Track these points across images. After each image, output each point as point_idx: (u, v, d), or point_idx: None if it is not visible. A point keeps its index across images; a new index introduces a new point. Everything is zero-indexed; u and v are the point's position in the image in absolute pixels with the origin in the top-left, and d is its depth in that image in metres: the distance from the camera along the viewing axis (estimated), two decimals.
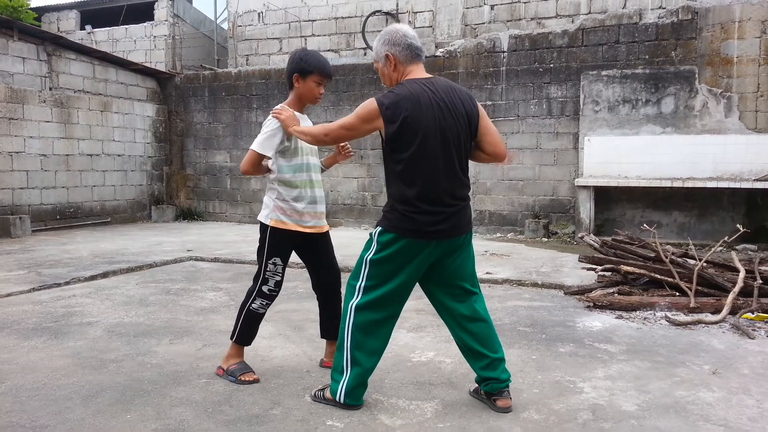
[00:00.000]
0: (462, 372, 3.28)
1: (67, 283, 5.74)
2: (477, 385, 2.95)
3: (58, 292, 5.41)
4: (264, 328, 4.27)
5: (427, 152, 2.64)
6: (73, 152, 10.27)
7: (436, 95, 2.68)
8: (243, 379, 3.17)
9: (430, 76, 2.78)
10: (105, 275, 6.17)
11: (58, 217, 10.05)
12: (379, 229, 2.74)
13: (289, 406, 2.88)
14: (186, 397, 3.00)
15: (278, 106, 3.15)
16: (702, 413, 2.82)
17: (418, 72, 2.77)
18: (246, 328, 3.24)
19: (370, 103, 2.69)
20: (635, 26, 8.92)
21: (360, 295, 2.76)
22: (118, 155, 11.17)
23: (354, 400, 2.81)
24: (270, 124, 3.10)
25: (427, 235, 2.66)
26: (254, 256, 7.22)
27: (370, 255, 2.74)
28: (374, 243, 2.74)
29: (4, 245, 8.10)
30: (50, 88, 10.10)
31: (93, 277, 6.03)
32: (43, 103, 9.72)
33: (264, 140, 3.08)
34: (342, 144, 3.31)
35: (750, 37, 8.34)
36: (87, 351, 3.73)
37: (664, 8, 9.24)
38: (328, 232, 3.38)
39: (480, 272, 6.10)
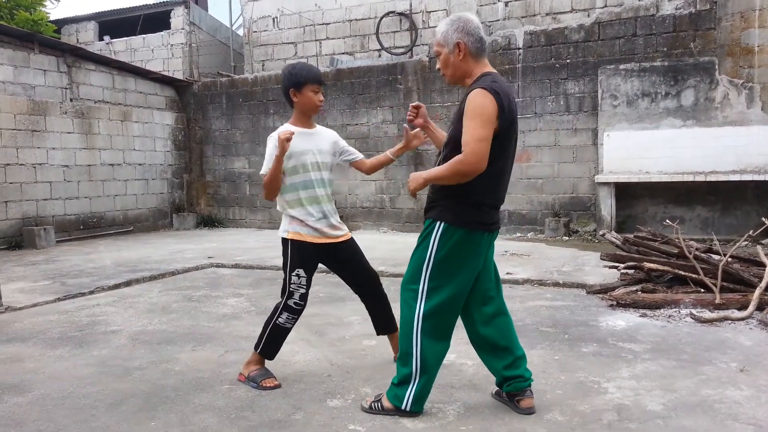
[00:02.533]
0: (484, 374, 3.26)
1: (91, 293, 5.82)
2: (498, 387, 2.92)
3: (83, 302, 5.49)
4: None
5: (510, 149, 2.67)
6: (94, 162, 10.43)
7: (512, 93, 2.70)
8: (264, 384, 3.19)
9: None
10: (128, 284, 6.25)
11: (81, 227, 10.21)
12: (441, 224, 2.63)
13: (311, 411, 2.88)
14: (209, 403, 3.02)
15: (281, 127, 3.21)
16: (730, 412, 2.77)
17: (488, 65, 2.71)
18: (271, 342, 3.25)
19: (491, 101, 2.49)
20: (652, 18, 8.80)
21: (425, 299, 2.67)
22: (139, 164, 11.31)
23: (420, 407, 2.77)
24: (269, 145, 3.18)
25: (491, 227, 2.68)
26: (275, 261, 7.29)
27: (432, 253, 2.64)
28: (435, 240, 2.63)
29: (29, 256, 8.24)
30: (71, 99, 10.26)
31: (116, 286, 6.11)
32: (64, 115, 9.88)
33: (266, 162, 3.16)
34: (413, 131, 3.25)
35: None
36: (111, 359, 3.78)
37: None
38: (350, 239, 3.39)
39: (500, 273, 6.04)
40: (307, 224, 3.20)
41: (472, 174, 2.49)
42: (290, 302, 3.18)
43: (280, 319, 3.19)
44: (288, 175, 3.20)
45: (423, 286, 2.67)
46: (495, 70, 2.71)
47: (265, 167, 3.15)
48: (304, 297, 3.21)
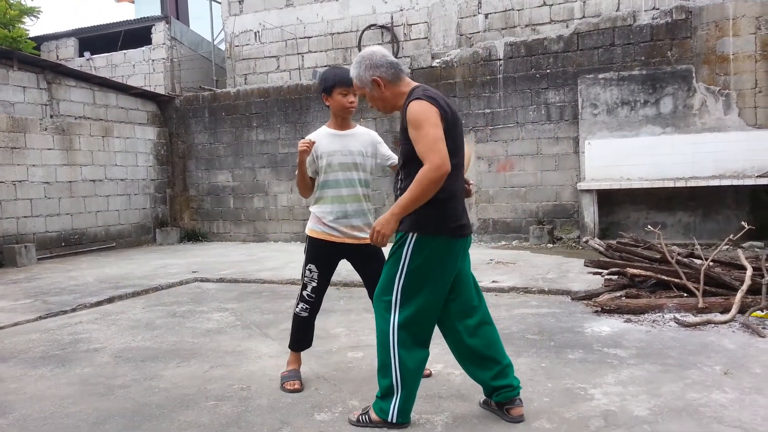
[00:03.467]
0: (471, 384, 3.25)
1: (73, 310, 5.74)
2: (487, 397, 2.92)
3: (65, 320, 5.41)
4: (271, 346, 4.27)
5: (460, 148, 2.68)
6: (76, 179, 10.32)
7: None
8: (285, 387, 3.33)
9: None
10: (111, 300, 6.17)
11: (63, 244, 10.08)
12: (413, 235, 2.63)
13: (298, 425, 2.86)
14: (194, 420, 2.98)
15: (315, 132, 3.42)
16: (715, 415, 2.79)
17: (411, 82, 2.77)
18: (294, 333, 3.47)
19: (430, 106, 2.55)
20: (630, 28, 8.94)
21: (398, 310, 2.68)
22: (121, 179, 11.22)
23: (407, 418, 2.76)
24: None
25: (459, 231, 2.67)
26: (259, 275, 7.27)
27: (405, 264, 2.65)
28: (408, 251, 2.64)
29: (9, 274, 8.12)
30: (51, 116, 10.16)
31: (99, 303, 6.03)
32: (44, 131, 9.78)
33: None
34: None
35: (745, 33, 8.35)
36: (94, 378, 3.72)
37: (658, 9, 9.25)
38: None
39: (486, 281, 6.08)
40: (324, 222, 3.34)
41: (442, 176, 2.48)
42: (304, 293, 3.40)
43: (297, 309, 3.42)
44: (319, 174, 3.37)
45: (396, 296, 2.68)
46: (421, 85, 2.75)
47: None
48: (315, 290, 3.39)
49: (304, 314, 3.40)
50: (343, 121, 3.40)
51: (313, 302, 3.40)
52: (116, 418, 3.04)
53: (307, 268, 3.38)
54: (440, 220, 2.62)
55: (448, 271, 2.70)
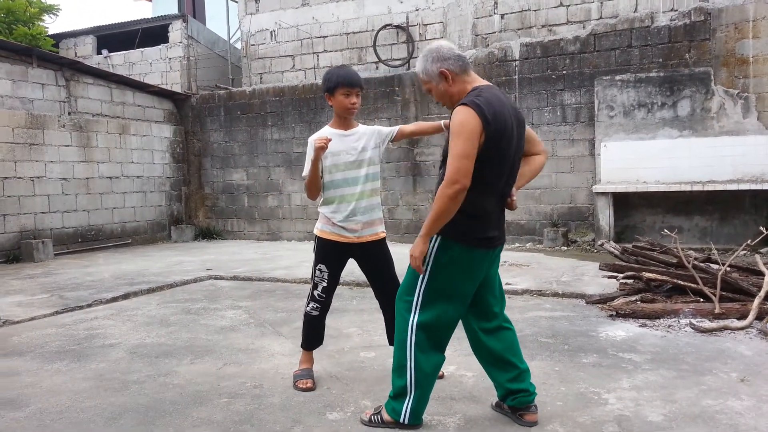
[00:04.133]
0: (484, 386, 3.25)
1: (89, 306, 5.80)
2: (500, 400, 2.90)
3: (81, 315, 5.46)
4: (284, 345, 4.28)
5: (504, 158, 2.58)
6: (93, 175, 10.43)
7: (508, 98, 2.68)
8: (298, 385, 3.35)
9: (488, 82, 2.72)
10: (126, 296, 6.23)
11: (79, 240, 10.19)
12: (438, 237, 2.60)
13: (310, 424, 2.87)
14: (207, 417, 3.00)
15: (320, 130, 3.41)
16: (731, 422, 2.76)
17: (477, 79, 2.70)
18: (306, 332, 3.49)
19: (473, 116, 2.46)
20: (647, 29, 8.86)
21: (419, 311, 2.67)
22: (137, 177, 11.31)
23: (419, 419, 2.76)
24: (308, 148, 3.33)
25: (486, 243, 2.63)
26: (273, 273, 7.30)
27: (428, 266, 2.63)
28: (432, 253, 2.62)
29: (27, 269, 8.22)
30: (69, 113, 10.27)
31: (114, 299, 6.09)
32: (62, 128, 9.89)
33: (306, 165, 3.35)
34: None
35: (765, 35, 8.23)
36: (109, 373, 3.76)
37: (676, 10, 9.16)
38: (380, 241, 3.45)
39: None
40: (333, 222, 3.35)
41: (460, 192, 2.45)
42: (315, 293, 3.43)
43: (308, 308, 3.45)
44: (324, 174, 3.36)
45: (417, 298, 2.67)
46: (485, 83, 2.69)
47: (305, 170, 3.34)
48: (326, 290, 3.41)
49: (315, 313, 3.43)
50: (345, 121, 3.40)
51: (323, 301, 3.43)
52: (131, 414, 3.07)
53: (317, 268, 3.41)
54: (466, 230, 2.59)
55: (472, 278, 2.67)
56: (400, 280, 2.90)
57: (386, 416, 2.77)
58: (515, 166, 2.70)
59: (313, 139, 3.25)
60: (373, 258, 3.43)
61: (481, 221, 2.61)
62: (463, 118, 2.47)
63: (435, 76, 2.67)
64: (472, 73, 2.71)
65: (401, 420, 2.72)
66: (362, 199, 3.36)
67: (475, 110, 2.47)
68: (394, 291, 3.36)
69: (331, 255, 3.39)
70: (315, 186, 3.35)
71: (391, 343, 3.52)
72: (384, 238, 3.48)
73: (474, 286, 2.70)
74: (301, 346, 3.55)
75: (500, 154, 2.56)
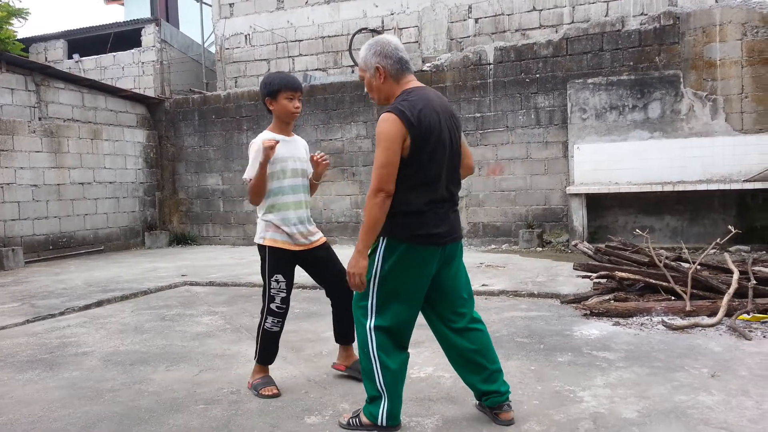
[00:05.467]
0: (462, 386, 3.26)
1: (61, 314, 5.70)
2: (477, 400, 2.93)
3: (53, 323, 5.37)
4: None
5: (436, 156, 2.62)
6: (64, 181, 10.25)
7: (440, 99, 2.72)
8: (263, 393, 3.27)
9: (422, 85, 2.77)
10: (99, 304, 6.13)
11: (51, 247, 10.00)
12: (384, 239, 2.64)
13: (288, 429, 2.86)
14: (184, 424, 2.97)
15: (261, 134, 3.31)
16: (702, 417, 2.82)
17: (412, 82, 2.74)
18: (265, 348, 3.34)
19: (393, 123, 2.53)
20: (618, 33, 9.02)
21: (374, 316, 2.68)
22: (110, 182, 11.15)
23: (396, 420, 2.76)
24: (251, 152, 3.25)
25: (430, 240, 2.63)
26: (249, 278, 7.24)
27: (377, 268, 2.65)
28: (380, 255, 2.65)
29: None
30: (39, 118, 10.10)
31: (87, 307, 5.99)
32: (32, 134, 9.71)
33: (249, 167, 3.23)
34: (314, 155, 3.40)
35: (731, 39, 8.45)
36: (83, 381, 3.70)
37: (646, 14, 9.35)
38: (325, 243, 3.45)
39: (476, 285, 6.09)
40: (283, 230, 3.26)
41: (385, 199, 2.53)
42: (273, 306, 3.28)
43: (266, 324, 3.30)
44: (269, 181, 3.25)
45: (372, 302, 2.69)
46: (418, 85, 2.72)
47: (249, 173, 3.22)
48: (285, 300, 3.30)
49: (276, 329, 3.30)
50: (287, 127, 3.38)
51: (283, 313, 3.31)
52: (105, 422, 3.02)
53: (273, 279, 3.26)
54: (407, 228, 2.61)
55: (421, 277, 2.68)
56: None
57: (364, 419, 2.77)
58: (455, 161, 2.74)
59: (261, 141, 3.17)
60: (324, 261, 3.40)
61: (417, 218, 2.62)
62: (383, 129, 2.54)
63: (371, 68, 2.73)
64: (408, 77, 2.74)
65: (379, 423, 2.73)
66: (305, 208, 3.37)
67: (398, 115, 2.54)
68: (345, 284, 3.33)
69: (285, 264, 3.29)
70: (262, 190, 3.23)
71: (336, 340, 3.57)
72: (326, 241, 3.48)
73: (425, 284, 2.71)
74: (258, 362, 3.38)
75: (431, 151, 2.60)
